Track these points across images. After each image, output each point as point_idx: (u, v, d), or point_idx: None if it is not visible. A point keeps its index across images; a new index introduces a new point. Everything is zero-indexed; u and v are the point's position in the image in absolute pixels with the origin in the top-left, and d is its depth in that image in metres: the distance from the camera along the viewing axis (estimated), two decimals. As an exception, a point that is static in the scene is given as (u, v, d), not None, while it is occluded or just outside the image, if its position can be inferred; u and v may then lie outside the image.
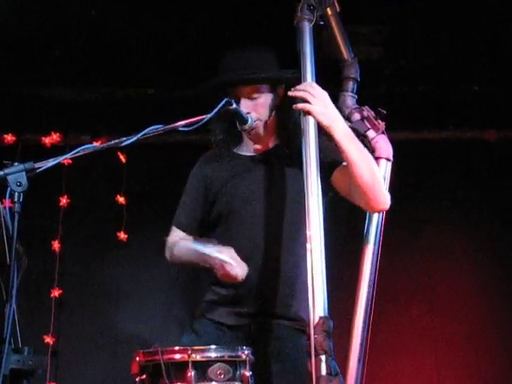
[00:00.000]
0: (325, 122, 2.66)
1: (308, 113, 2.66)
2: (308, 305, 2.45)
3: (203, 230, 3.01)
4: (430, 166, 5.14)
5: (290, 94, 2.73)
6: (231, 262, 2.68)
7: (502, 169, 5.14)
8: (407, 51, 4.80)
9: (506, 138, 5.23)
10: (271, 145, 2.98)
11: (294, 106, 2.71)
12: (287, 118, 2.92)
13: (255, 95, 2.90)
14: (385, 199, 2.74)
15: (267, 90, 2.92)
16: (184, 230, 3.02)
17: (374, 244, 2.88)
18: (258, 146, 2.99)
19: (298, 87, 2.71)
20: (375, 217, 2.92)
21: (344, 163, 2.77)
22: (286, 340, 2.81)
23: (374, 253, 2.87)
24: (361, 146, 2.73)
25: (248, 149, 3.01)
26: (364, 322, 2.84)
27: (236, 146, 3.02)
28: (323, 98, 2.68)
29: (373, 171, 2.70)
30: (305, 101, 2.67)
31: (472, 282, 5.07)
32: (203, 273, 2.93)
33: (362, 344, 2.83)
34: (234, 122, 2.94)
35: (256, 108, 2.89)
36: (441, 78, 5.03)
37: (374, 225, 2.92)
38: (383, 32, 4.58)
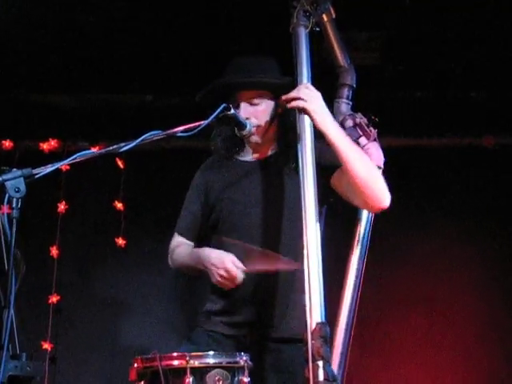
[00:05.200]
0: (318, 119, 2.64)
1: (302, 110, 2.65)
2: (304, 315, 2.43)
3: (203, 236, 3.01)
4: (428, 173, 5.14)
5: (283, 97, 2.71)
6: (228, 267, 2.68)
7: (500, 175, 5.14)
8: (405, 57, 4.81)
9: (503, 143, 5.23)
10: (270, 152, 2.97)
11: (289, 105, 2.69)
12: (288, 127, 2.89)
13: (256, 101, 2.89)
14: (383, 196, 2.67)
15: (269, 98, 2.91)
16: (185, 236, 3.03)
17: (361, 248, 2.88)
18: (257, 154, 2.99)
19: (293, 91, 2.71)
20: (364, 219, 2.91)
21: (338, 169, 2.77)
22: (282, 351, 2.80)
23: (360, 256, 2.87)
24: (354, 144, 2.73)
25: (248, 155, 3.01)
26: (347, 325, 2.83)
27: (238, 152, 3.01)
28: (317, 98, 2.68)
29: (368, 168, 2.67)
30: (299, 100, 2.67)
31: (471, 287, 5.07)
32: (202, 280, 2.93)
33: (342, 352, 2.81)
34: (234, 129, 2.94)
35: (256, 114, 2.88)
36: (438, 84, 5.04)
37: (363, 228, 2.92)
38: (380, 38, 4.58)
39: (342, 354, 2.81)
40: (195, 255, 2.89)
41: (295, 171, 2.79)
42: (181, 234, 3.05)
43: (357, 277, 2.86)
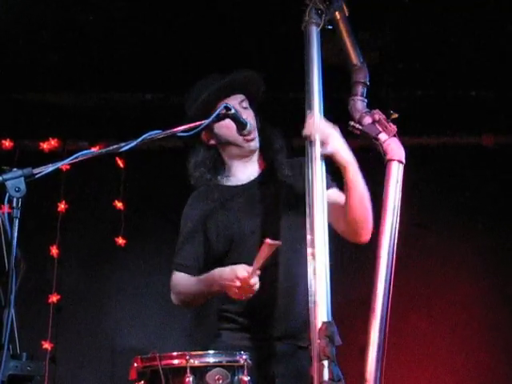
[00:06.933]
0: (345, 158, 2.70)
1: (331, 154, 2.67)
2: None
3: (205, 270, 2.89)
4: (428, 171, 5.13)
5: (304, 133, 2.67)
6: (239, 273, 2.60)
7: (500, 174, 5.15)
8: (405, 57, 4.81)
9: (503, 143, 5.24)
10: (259, 169, 3.00)
11: (322, 151, 2.66)
12: (267, 141, 2.98)
13: (245, 104, 2.95)
14: (370, 232, 2.85)
15: (253, 108, 2.98)
16: (187, 272, 2.93)
17: (389, 246, 2.87)
18: (248, 171, 2.98)
19: (307, 127, 2.69)
20: (389, 220, 2.91)
21: (329, 190, 2.80)
22: (300, 362, 2.80)
23: (389, 253, 2.87)
24: (363, 182, 2.79)
25: (237, 178, 2.99)
26: (381, 323, 2.80)
27: (222, 179, 3.00)
28: (336, 134, 2.71)
29: (368, 206, 2.81)
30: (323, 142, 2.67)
31: (470, 287, 5.07)
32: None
33: (379, 345, 2.78)
34: (216, 158, 2.95)
35: (250, 117, 2.92)
36: (439, 83, 5.04)
37: (389, 227, 2.91)
38: (380, 37, 4.58)
39: (378, 346, 2.75)
40: (206, 279, 2.80)
41: (288, 185, 2.88)
42: (182, 271, 2.94)
43: (387, 273, 2.84)
